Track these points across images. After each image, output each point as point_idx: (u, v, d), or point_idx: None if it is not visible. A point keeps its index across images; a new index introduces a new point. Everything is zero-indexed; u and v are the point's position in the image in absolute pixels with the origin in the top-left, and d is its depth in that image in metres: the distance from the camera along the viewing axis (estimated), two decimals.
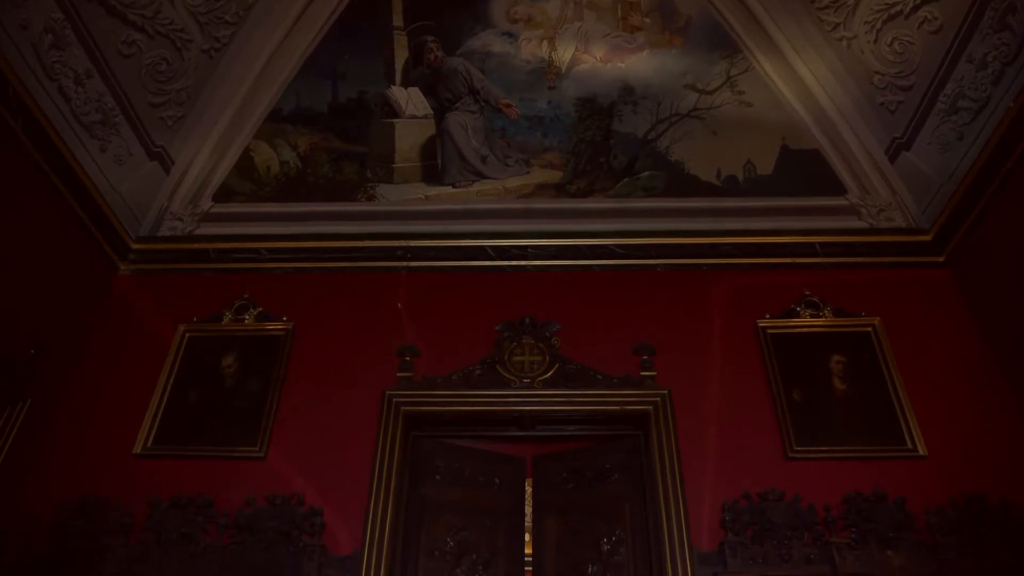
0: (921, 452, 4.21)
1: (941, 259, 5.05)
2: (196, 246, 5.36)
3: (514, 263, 5.24)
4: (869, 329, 4.73)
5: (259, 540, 3.97)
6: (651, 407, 4.44)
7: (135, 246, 5.31)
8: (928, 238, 5.11)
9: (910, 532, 3.88)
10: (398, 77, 5.34)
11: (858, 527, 3.92)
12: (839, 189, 5.35)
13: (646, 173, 5.45)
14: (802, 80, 5.14)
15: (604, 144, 5.44)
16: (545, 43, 5.23)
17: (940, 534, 3.86)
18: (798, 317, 4.85)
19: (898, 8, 4.63)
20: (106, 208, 4.93)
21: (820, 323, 4.81)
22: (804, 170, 5.37)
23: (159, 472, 4.30)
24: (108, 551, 3.93)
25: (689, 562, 3.87)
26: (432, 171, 5.53)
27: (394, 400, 4.51)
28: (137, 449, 4.40)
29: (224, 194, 5.52)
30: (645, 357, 4.65)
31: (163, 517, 4.07)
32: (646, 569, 4.04)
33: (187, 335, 4.89)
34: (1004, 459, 4.18)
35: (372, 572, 3.90)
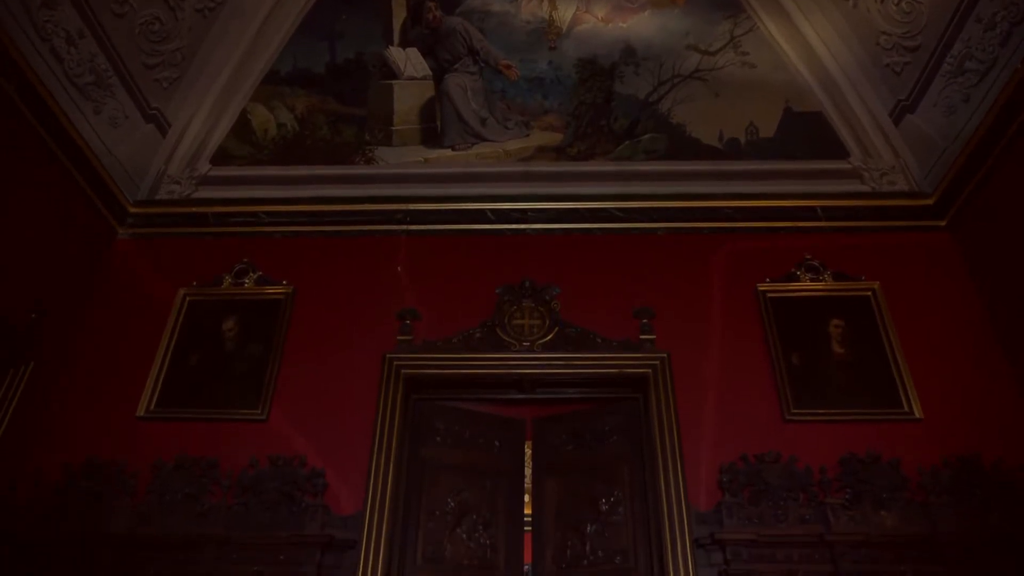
0: (917, 415, 4.26)
1: (943, 223, 5.03)
2: (194, 210, 5.34)
3: (514, 226, 5.22)
4: (869, 293, 4.73)
5: (262, 501, 4.04)
6: (650, 370, 4.47)
7: (133, 210, 5.29)
8: (930, 202, 5.08)
9: (903, 492, 3.95)
10: (396, 37, 5.26)
11: (853, 488, 3.98)
12: (842, 152, 5.31)
13: (647, 136, 5.40)
14: (807, 41, 5.07)
15: (605, 106, 5.37)
16: (546, 2, 5.14)
17: (933, 494, 3.92)
18: (798, 281, 4.85)
19: None
20: (103, 171, 4.90)
21: (820, 287, 4.81)
22: (807, 133, 5.32)
23: (162, 434, 4.35)
24: (114, 511, 4.00)
25: (686, 522, 3.94)
26: (431, 134, 5.47)
27: (394, 363, 4.54)
28: (140, 412, 4.45)
29: (222, 157, 5.48)
30: (645, 320, 4.66)
31: (168, 478, 4.14)
32: (644, 528, 4.12)
33: (187, 299, 4.90)
34: (999, 421, 4.23)
35: (374, 531, 3.97)
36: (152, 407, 4.47)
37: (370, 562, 3.87)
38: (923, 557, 3.74)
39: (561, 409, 4.85)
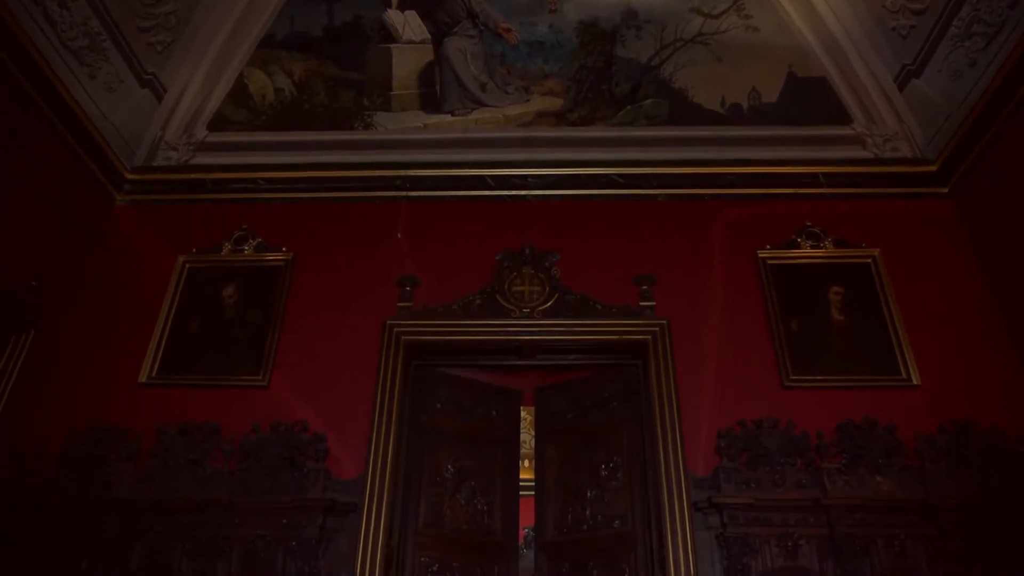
0: (915, 381, 4.29)
1: (945, 190, 5.00)
2: (192, 176, 5.30)
3: (514, 193, 5.19)
4: (869, 260, 4.73)
5: (265, 466, 4.08)
6: (650, 337, 4.48)
7: (130, 176, 5.25)
8: (933, 168, 5.04)
9: (899, 458, 3.98)
10: None
11: (849, 453, 4.02)
12: (845, 118, 5.25)
13: (649, 101, 5.34)
14: (811, 3, 4.99)
15: (606, 71, 5.30)
16: None
17: (928, 460, 3.96)
18: (798, 248, 4.84)
19: None
20: (98, 137, 4.86)
21: (820, 254, 4.80)
22: (810, 98, 5.26)
23: (164, 400, 4.38)
24: (118, 475, 4.04)
25: (684, 486, 3.98)
26: (430, 99, 5.41)
27: (395, 329, 4.55)
28: (142, 378, 4.47)
29: (219, 123, 5.42)
30: (645, 287, 4.66)
31: (171, 443, 4.18)
32: (642, 493, 4.17)
33: (187, 266, 4.90)
34: (996, 388, 4.25)
35: (376, 495, 4.02)
36: (154, 373, 4.49)
37: (372, 525, 3.93)
38: (917, 521, 3.80)
39: (562, 377, 4.88)
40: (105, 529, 3.87)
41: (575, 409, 4.76)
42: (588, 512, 4.40)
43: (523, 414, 5.07)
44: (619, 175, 5.18)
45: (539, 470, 4.78)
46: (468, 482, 4.56)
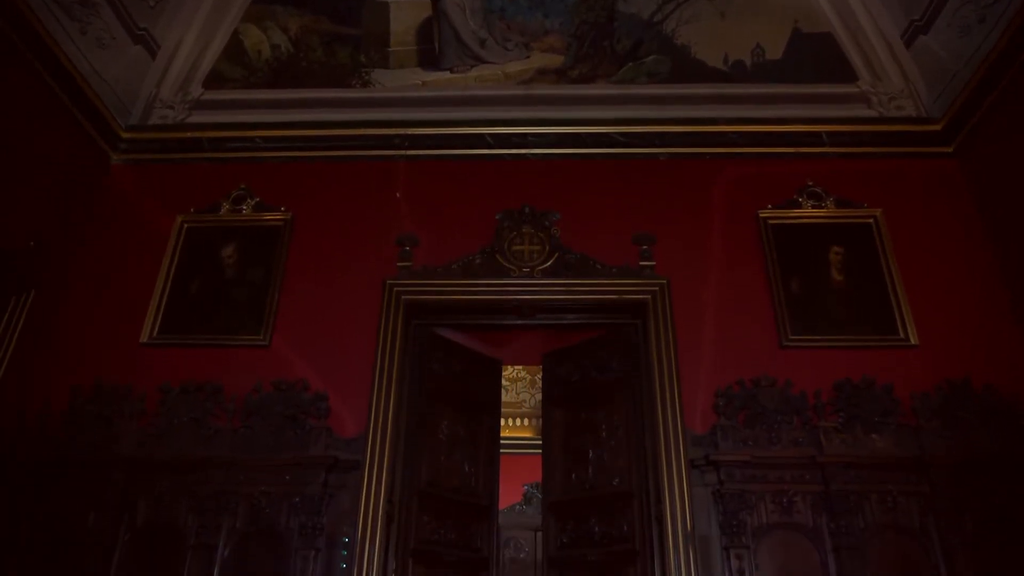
0: (913, 341, 4.30)
1: (950, 150, 4.95)
2: (188, 135, 5.24)
3: (514, 151, 5.14)
4: (870, 220, 4.70)
5: (267, 424, 4.12)
6: (649, 296, 4.48)
7: (125, 135, 5.19)
8: (938, 127, 4.98)
9: (895, 416, 4.03)
10: None
11: (846, 412, 4.06)
12: (850, 76, 5.18)
13: (651, 58, 5.25)
14: None
15: (607, 26, 5.20)
16: None
17: (923, 418, 4.00)
18: (799, 208, 4.81)
19: None
20: (92, 95, 4.78)
21: (822, 214, 4.77)
22: (815, 55, 5.18)
23: (166, 360, 4.41)
24: (122, 433, 4.09)
25: (682, 443, 4.03)
26: (429, 55, 5.32)
27: (395, 289, 4.56)
28: (144, 338, 4.49)
29: (214, 80, 5.35)
30: (644, 247, 4.65)
31: (174, 403, 4.21)
32: (641, 451, 4.21)
33: (185, 226, 4.88)
34: (993, 348, 4.28)
35: (377, 453, 4.07)
36: (155, 334, 4.51)
37: (373, 482, 3.99)
38: (910, 478, 3.86)
39: (569, 341, 4.90)
40: (111, 485, 3.93)
41: (580, 373, 4.81)
42: (590, 471, 4.48)
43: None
44: (620, 134, 5.12)
45: (546, 433, 4.88)
46: (458, 444, 4.67)
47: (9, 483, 3.97)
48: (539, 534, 9.69)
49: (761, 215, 4.77)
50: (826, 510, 3.81)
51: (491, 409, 5.01)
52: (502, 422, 9.99)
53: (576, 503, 4.51)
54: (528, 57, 5.31)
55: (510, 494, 9.74)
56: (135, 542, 3.89)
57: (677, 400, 4.15)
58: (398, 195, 4.97)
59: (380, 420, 4.16)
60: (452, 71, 5.33)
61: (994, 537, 3.71)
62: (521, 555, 9.73)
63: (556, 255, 4.65)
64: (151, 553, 3.87)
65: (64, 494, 3.94)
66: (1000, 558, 3.67)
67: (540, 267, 4.62)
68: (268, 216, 4.90)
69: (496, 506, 4.85)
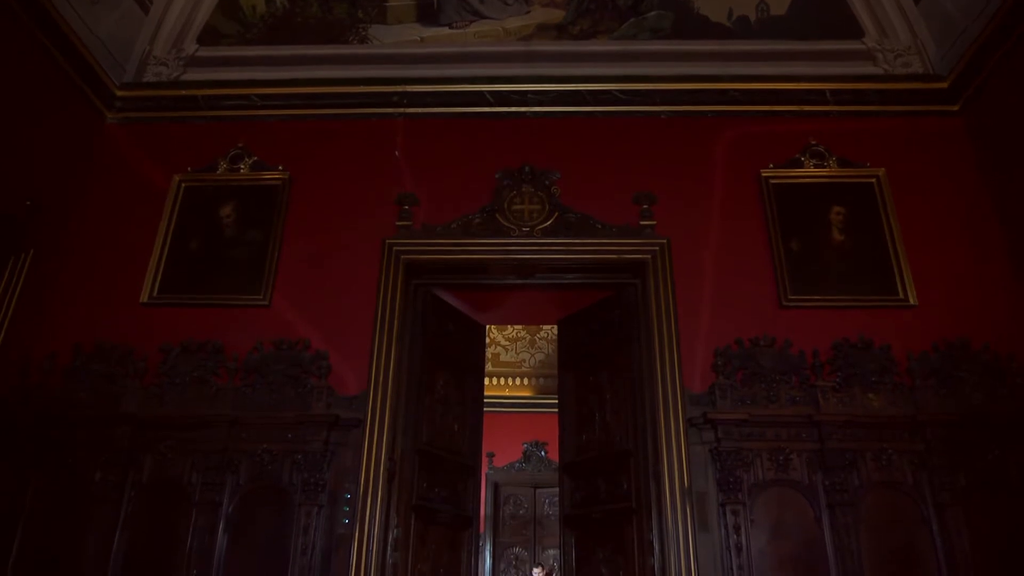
0: (912, 301, 4.31)
1: (955, 108, 4.89)
2: (184, 93, 5.16)
3: (514, 109, 5.06)
4: (873, 180, 4.66)
5: (269, 382, 4.16)
6: (649, 256, 4.48)
7: (120, 93, 5.12)
8: (945, 85, 4.91)
9: (892, 376, 4.06)
10: None
11: (843, 372, 4.09)
12: (856, 32, 5.09)
13: (653, 13, 5.15)
14: None
15: None
16: None
17: (920, 378, 4.04)
18: (801, 167, 4.77)
19: None
20: (84, 51, 4.70)
21: (824, 173, 4.73)
22: (820, 11, 5.09)
23: (166, 320, 4.42)
24: (126, 392, 4.12)
25: (680, 402, 4.07)
26: (427, 10, 5.22)
27: (394, 249, 4.55)
28: (143, 298, 4.49)
29: (209, 36, 5.26)
30: (645, 206, 4.62)
31: (176, 362, 4.24)
32: (640, 409, 4.25)
33: (183, 185, 4.84)
34: (992, 308, 4.29)
35: (378, 411, 4.11)
36: (155, 293, 4.51)
37: (375, 440, 4.04)
38: (905, 436, 3.91)
39: (581, 304, 4.94)
40: (116, 443, 3.98)
41: (589, 336, 4.87)
42: (597, 432, 4.57)
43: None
44: (621, 91, 5.04)
45: (561, 397, 4.98)
46: (450, 405, 4.74)
47: (14, 441, 4.01)
48: (538, 491, 9.99)
49: (763, 174, 4.73)
50: (821, 467, 3.87)
51: (476, 372, 5.12)
52: (503, 381, 10.19)
53: (585, 463, 4.62)
54: (528, 12, 5.21)
55: (510, 452, 9.91)
56: (141, 498, 3.95)
57: (676, 359, 4.18)
58: (397, 154, 4.92)
59: (381, 379, 4.20)
60: (451, 27, 5.24)
61: (986, 494, 3.79)
62: (520, 511, 9.92)
63: (556, 214, 4.62)
64: (157, 509, 3.94)
65: (69, 452, 3.99)
66: (990, 514, 3.74)
67: (540, 226, 4.60)
68: (266, 175, 4.85)
69: (480, 467, 5.01)
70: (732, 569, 3.69)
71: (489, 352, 9.60)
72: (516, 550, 9.69)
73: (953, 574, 3.62)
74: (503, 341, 10.09)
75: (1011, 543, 3.70)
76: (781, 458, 3.90)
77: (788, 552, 3.76)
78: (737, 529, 3.75)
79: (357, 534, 3.85)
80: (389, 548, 3.96)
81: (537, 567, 8.33)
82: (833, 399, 4.00)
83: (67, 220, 4.68)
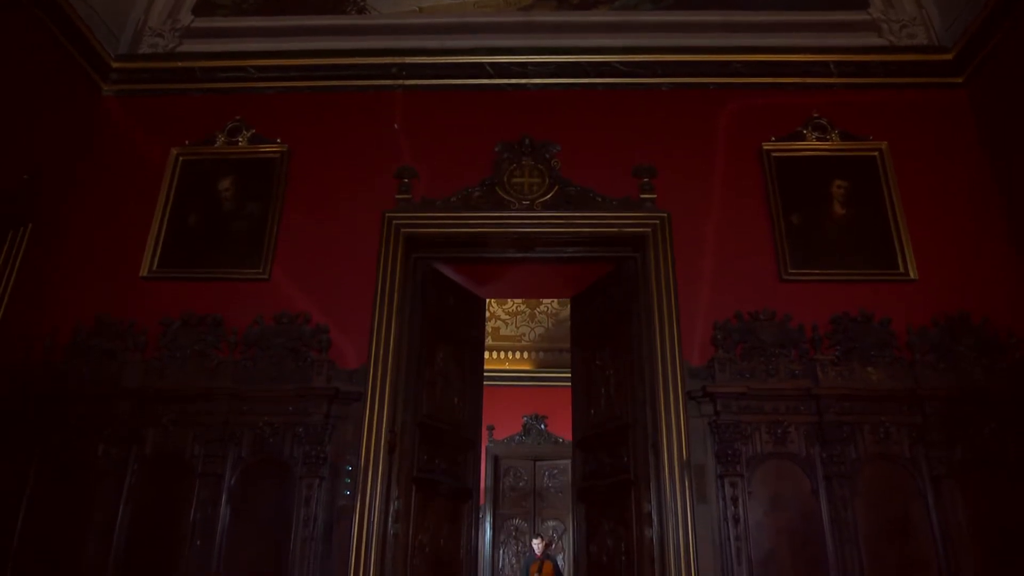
0: (912, 276, 4.30)
1: (960, 80, 4.84)
2: (180, 64, 5.11)
3: (513, 81, 5.01)
4: (875, 154, 4.63)
5: (269, 356, 4.17)
6: (650, 230, 4.46)
7: (116, 65, 5.06)
8: (949, 56, 4.85)
9: (891, 350, 4.07)
10: None
11: (843, 345, 4.10)
12: (861, 2, 5.02)
13: None
14: None
15: None
16: None
17: (919, 352, 4.05)
18: (803, 140, 4.73)
19: None
20: (79, 21, 4.63)
21: (826, 147, 4.70)
22: None
23: (166, 294, 4.42)
24: (127, 365, 4.14)
25: (680, 375, 4.09)
26: None
27: (394, 222, 4.53)
28: (143, 272, 4.49)
29: (204, 7, 5.19)
30: (645, 179, 4.60)
31: (176, 335, 4.25)
32: (640, 383, 4.26)
33: (181, 158, 4.80)
34: (992, 282, 4.29)
35: (379, 384, 4.13)
36: (154, 268, 4.50)
37: (375, 412, 4.06)
38: (903, 409, 3.93)
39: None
40: (119, 416, 4.01)
41: (594, 314, 4.88)
42: (602, 406, 4.60)
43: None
44: (621, 63, 4.98)
45: (574, 375, 5.03)
46: (451, 379, 4.76)
47: (17, 417, 4.03)
48: (537, 463, 10.07)
49: (764, 147, 4.69)
50: (819, 440, 3.89)
51: (476, 345, 5.14)
52: (503, 355, 10.23)
53: (593, 438, 4.67)
54: None
55: (510, 425, 9.97)
56: (144, 471, 3.99)
57: (676, 333, 4.18)
58: (396, 126, 4.88)
59: (381, 352, 4.21)
60: None
61: (981, 467, 3.82)
62: (520, 484, 10.02)
63: (556, 187, 4.60)
64: (160, 482, 3.97)
65: (73, 425, 4.02)
66: (985, 487, 3.78)
67: (540, 200, 4.58)
68: (264, 148, 4.82)
69: (480, 439, 5.04)
70: (730, 540, 3.73)
71: (489, 326, 9.63)
72: (516, 522, 9.81)
73: (948, 546, 3.66)
74: (503, 315, 10.10)
75: (1008, 519, 3.72)
76: (779, 431, 3.92)
77: (785, 524, 3.80)
78: (735, 501, 3.79)
79: (358, 506, 3.89)
80: (390, 520, 4.00)
81: (536, 538, 8.43)
82: (832, 373, 4.01)
83: (66, 194, 4.66)
